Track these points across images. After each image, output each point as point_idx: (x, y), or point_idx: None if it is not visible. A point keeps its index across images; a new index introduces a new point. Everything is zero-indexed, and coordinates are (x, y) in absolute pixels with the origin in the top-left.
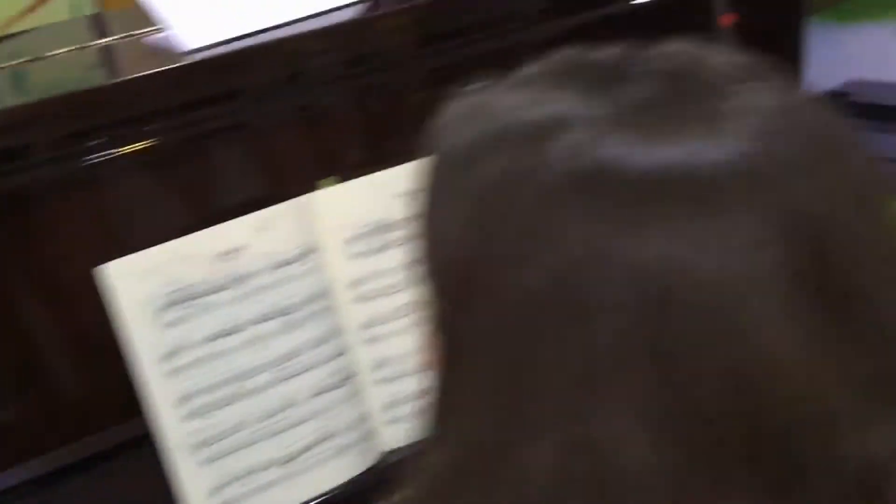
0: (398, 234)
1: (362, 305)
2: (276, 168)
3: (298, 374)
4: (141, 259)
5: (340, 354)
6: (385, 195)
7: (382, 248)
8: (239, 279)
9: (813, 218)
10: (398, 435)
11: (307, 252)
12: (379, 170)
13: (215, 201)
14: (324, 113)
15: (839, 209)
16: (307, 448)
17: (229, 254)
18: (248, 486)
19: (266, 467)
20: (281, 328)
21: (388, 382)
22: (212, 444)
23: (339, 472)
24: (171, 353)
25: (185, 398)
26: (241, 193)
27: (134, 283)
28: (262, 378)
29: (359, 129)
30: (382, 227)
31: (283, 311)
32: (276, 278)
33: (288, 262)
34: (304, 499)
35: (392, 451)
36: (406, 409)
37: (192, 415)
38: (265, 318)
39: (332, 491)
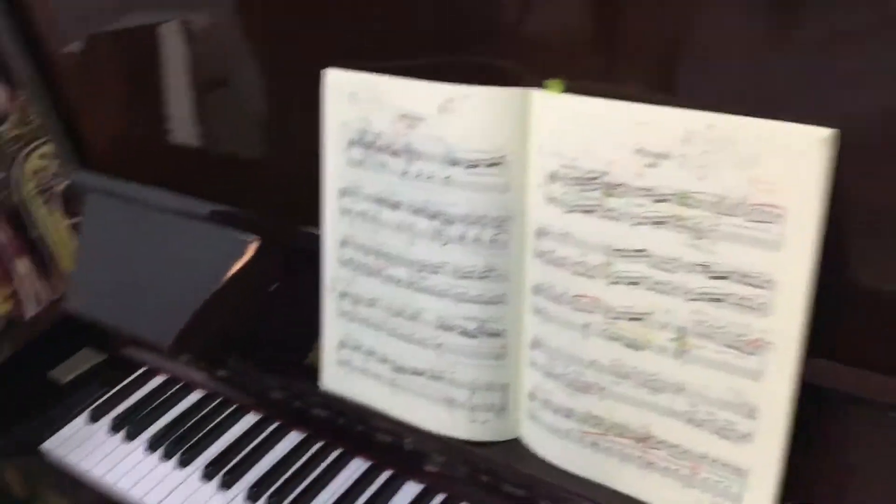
0: (614, 201)
1: (541, 264)
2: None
3: (433, 293)
4: (358, 80)
5: (490, 303)
6: (621, 137)
7: (588, 209)
8: (410, 153)
9: None
10: (530, 433)
11: (491, 162)
12: (631, 101)
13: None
14: None
15: None
16: (417, 372)
17: (410, 119)
18: (362, 363)
19: (380, 360)
20: (431, 232)
21: (539, 371)
22: (350, 300)
23: (438, 420)
24: (345, 191)
25: (344, 243)
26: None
27: (344, 100)
28: (401, 272)
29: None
30: (597, 180)
31: (437, 215)
32: (445, 174)
33: (460, 163)
34: (395, 414)
35: (510, 441)
36: (549, 415)
37: (344, 263)
38: (418, 212)
39: (422, 429)
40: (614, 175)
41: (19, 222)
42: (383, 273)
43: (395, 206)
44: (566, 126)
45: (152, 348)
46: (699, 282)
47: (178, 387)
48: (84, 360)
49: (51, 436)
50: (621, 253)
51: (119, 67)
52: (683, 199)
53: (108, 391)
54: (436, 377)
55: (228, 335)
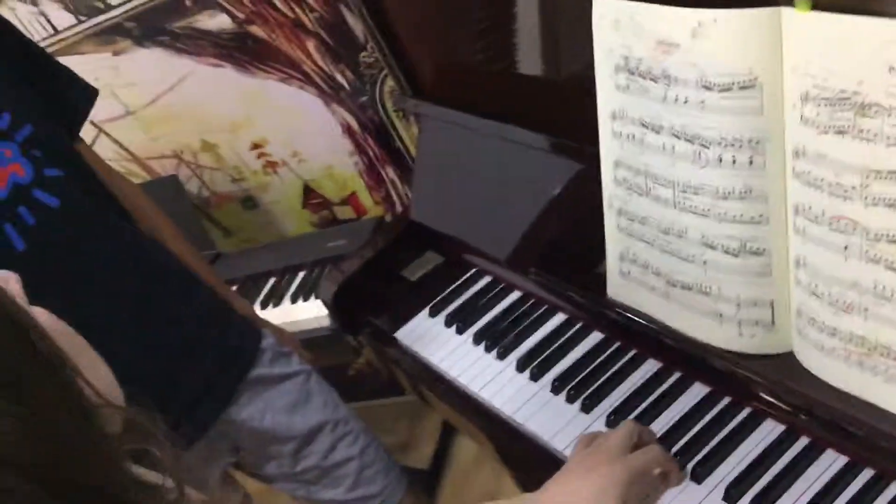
0: (868, 122)
1: (799, 185)
2: None
3: (696, 213)
4: (620, 7)
5: (751, 222)
6: (872, 55)
7: (841, 129)
8: (668, 79)
9: None
10: (800, 349)
11: (744, 84)
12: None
13: None
14: None
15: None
16: (686, 286)
17: (666, 45)
18: (640, 275)
19: (655, 273)
20: (691, 155)
21: (804, 290)
22: (626, 217)
23: (710, 332)
24: (615, 115)
25: (618, 164)
26: None
27: (609, 27)
28: (665, 192)
29: None
30: (849, 100)
31: (695, 138)
32: (700, 98)
33: (713, 87)
34: (671, 324)
35: (779, 356)
36: (815, 333)
37: (619, 183)
38: (678, 135)
39: (697, 341)
40: (866, 94)
41: (384, 136)
42: (651, 193)
43: (657, 129)
44: (815, 44)
45: (479, 254)
46: None
47: (499, 287)
48: (428, 261)
49: (402, 326)
50: (878, 174)
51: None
52: None
53: (444, 289)
54: (704, 292)
55: (545, 247)
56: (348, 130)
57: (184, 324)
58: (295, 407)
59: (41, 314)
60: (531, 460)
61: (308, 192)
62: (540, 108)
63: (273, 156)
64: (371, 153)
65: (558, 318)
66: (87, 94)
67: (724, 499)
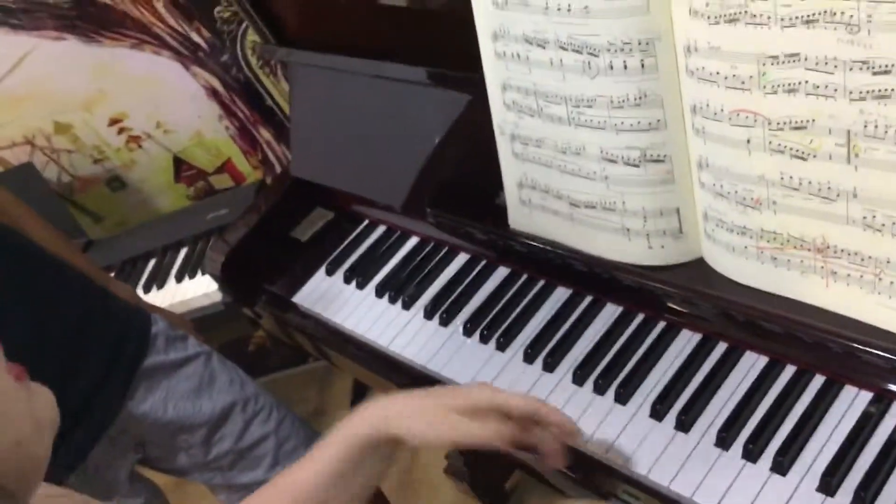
0: (759, 5)
1: (693, 83)
2: None
3: (592, 127)
4: None
5: (649, 129)
6: None
7: (732, 17)
8: None
9: None
10: (709, 253)
11: None
12: None
13: None
14: None
15: None
16: (590, 205)
17: None
18: (540, 201)
19: (556, 196)
20: (580, 66)
21: (709, 192)
22: (520, 142)
23: (618, 249)
24: (496, 35)
25: (505, 87)
26: None
27: None
28: (558, 110)
29: None
30: None
31: (583, 47)
32: (583, 4)
33: None
34: (579, 247)
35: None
36: (724, 234)
37: (509, 107)
38: (564, 47)
39: (605, 258)
40: None
41: (252, 96)
42: (544, 112)
43: (542, 44)
44: None
45: (371, 204)
46: (861, 80)
47: (396, 236)
48: (318, 219)
49: (300, 289)
50: (774, 60)
51: None
52: None
53: (338, 245)
54: (608, 209)
55: (439, 186)
56: (213, 93)
57: (63, 318)
58: (199, 391)
59: None
60: None
61: (179, 164)
62: (414, 42)
63: (135, 130)
64: (241, 115)
65: (461, 259)
66: None
67: (651, 416)
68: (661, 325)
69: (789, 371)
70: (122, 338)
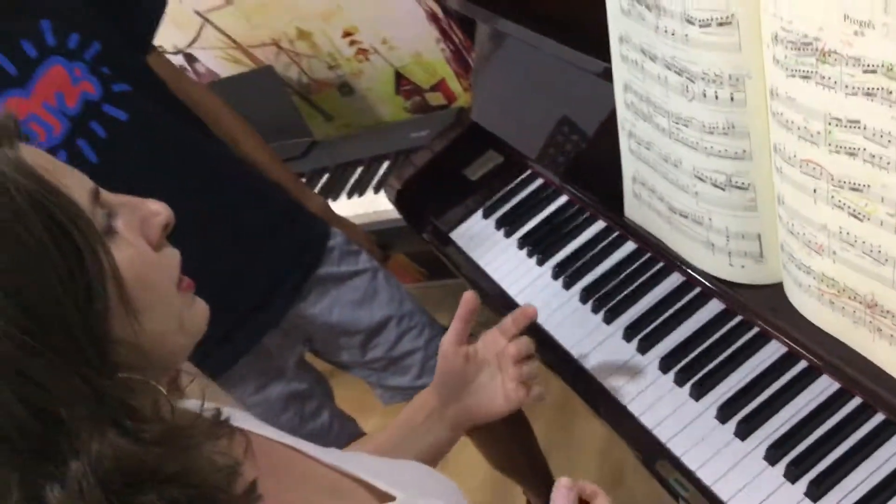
0: (828, 69)
1: (776, 125)
2: None
3: (687, 145)
4: None
5: (735, 158)
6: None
7: (806, 74)
8: (659, 9)
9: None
10: (784, 282)
11: (721, 21)
12: None
13: None
14: None
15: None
16: (683, 214)
17: None
18: (648, 198)
19: (659, 198)
20: (680, 87)
21: (784, 227)
22: (635, 141)
23: (705, 260)
24: (622, 39)
25: (626, 88)
26: None
27: None
28: (662, 121)
29: None
30: (811, 46)
31: (683, 71)
32: (685, 31)
33: (695, 21)
34: (675, 248)
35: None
36: (794, 269)
37: (628, 106)
38: (669, 66)
39: (694, 267)
40: (826, 41)
41: (468, 24)
42: (652, 120)
43: (653, 58)
44: None
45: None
46: None
47: (550, 191)
48: (489, 160)
49: (458, 227)
50: (838, 122)
51: None
52: (890, 70)
53: (500, 189)
54: (697, 221)
55: (583, 163)
56: (433, 17)
57: (253, 225)
58: (361, 303)
59: None
60: (554, 367)
61: (399, 78)
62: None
63: (364, 43)
64: (456, 40)
65: (598, 226)
66: (157, 4)
67: (717, 417)
68: (755, 330)
69: (854, 403)
70: (304, 247)
